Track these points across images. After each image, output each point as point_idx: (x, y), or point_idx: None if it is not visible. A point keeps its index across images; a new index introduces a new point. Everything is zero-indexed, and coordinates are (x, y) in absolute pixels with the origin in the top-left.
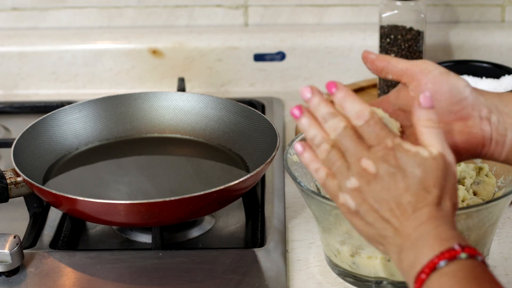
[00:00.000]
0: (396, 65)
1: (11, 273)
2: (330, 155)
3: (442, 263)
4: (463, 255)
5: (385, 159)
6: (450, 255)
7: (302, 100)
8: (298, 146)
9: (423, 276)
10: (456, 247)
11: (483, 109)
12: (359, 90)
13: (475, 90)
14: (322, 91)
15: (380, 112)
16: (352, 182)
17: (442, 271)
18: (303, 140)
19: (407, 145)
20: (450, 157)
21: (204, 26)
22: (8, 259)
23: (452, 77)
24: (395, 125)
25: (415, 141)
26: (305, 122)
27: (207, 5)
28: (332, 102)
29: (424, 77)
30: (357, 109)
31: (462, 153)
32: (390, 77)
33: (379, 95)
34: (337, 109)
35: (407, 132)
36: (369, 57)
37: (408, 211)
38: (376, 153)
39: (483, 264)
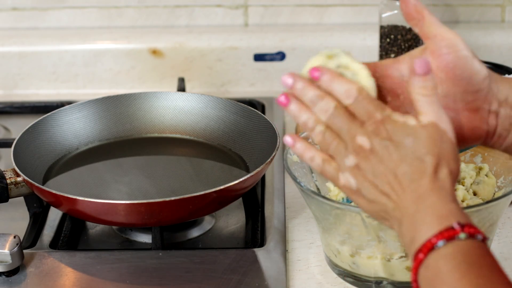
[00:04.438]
0: (428, 26)
1: (11, 273)
2: (325, 136)
3: (440, 243)
4: (462, 235)
5: (377, 133)
6: (448, 235)
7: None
8: (288, 138)
9: (421, 255)
10: (455, 225)
11: (494, 102)
12: None
13: (490, 77)
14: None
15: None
16: (351, 160)
17: (440, 252)
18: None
19: (396, 116)
20: (445, 124)
21: (204, 26)
22: (8, 259)
23: (476, 63)
24: (367, 80)
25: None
26: (294, 108)
27: (207, 5)
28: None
29: (449, 54)
30: (345, 88)
31: (462, 142)
32: (416, 30)
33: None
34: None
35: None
36: (409, 0)
37: (404, 182)
38: (368, 128)
39: (483, 244)
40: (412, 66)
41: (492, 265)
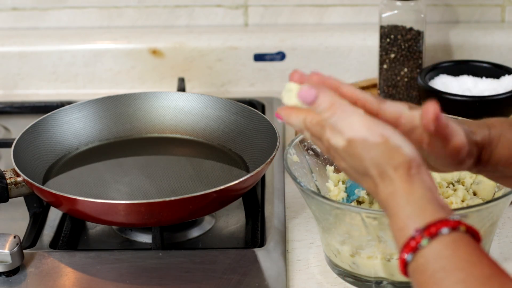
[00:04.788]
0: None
1: (11, 273)
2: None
3: (408, 257)
4: (424, 241)
5: (334, 157)
6: (411, 248)
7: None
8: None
9: (403, 272)
10: (414, 234)
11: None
12: None
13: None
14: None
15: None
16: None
17: (411, 267)
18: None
19: (332, 139)
20: (361, 132)
21: (204, 26)
22: (8, 259)
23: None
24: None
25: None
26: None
27: (207, 5)
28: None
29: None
30: (296, 123)
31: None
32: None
33: (379, 95)
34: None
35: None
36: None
37: (372, 195)
38: (329, 152)
39: (452, 240)
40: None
41: (466, 262)
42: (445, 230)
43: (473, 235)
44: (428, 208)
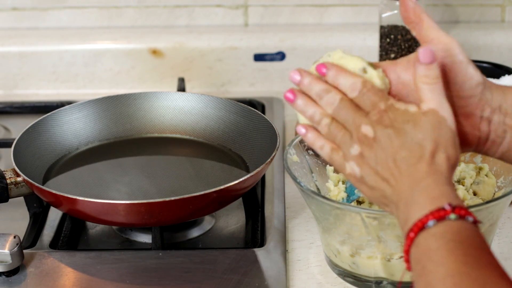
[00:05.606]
0: (425, 29)
1: (11, 273)
2: (331, 128)
3: (430, 222)
4: (452, 216)
5: (380, 122)
6: (439, 215)
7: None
8: (300, 128)
9: (411, 234)
10: (446, 206)
11: (486, 109)
12: None
13: (484, 83)
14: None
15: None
16: (355, 149)
17: (430, 231)
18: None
19: (398, 104)
20: (445, 111)
21: (204, 26)
22: (8, 259)
23: (470, 69)
24: (382, 82)
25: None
26: (300, 102)
27: (207, 5)
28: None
29: (445, 58)
30: (350, 82)
31: None
32: (414, 33)
33: None
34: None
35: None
36: (407, 3)
37: (403, 167)
38: (372, 117)
39: (473, 226)
40: (417, 55)
41: (480, 246)
42: (470, 218)
43: None
44: (458, 196)
